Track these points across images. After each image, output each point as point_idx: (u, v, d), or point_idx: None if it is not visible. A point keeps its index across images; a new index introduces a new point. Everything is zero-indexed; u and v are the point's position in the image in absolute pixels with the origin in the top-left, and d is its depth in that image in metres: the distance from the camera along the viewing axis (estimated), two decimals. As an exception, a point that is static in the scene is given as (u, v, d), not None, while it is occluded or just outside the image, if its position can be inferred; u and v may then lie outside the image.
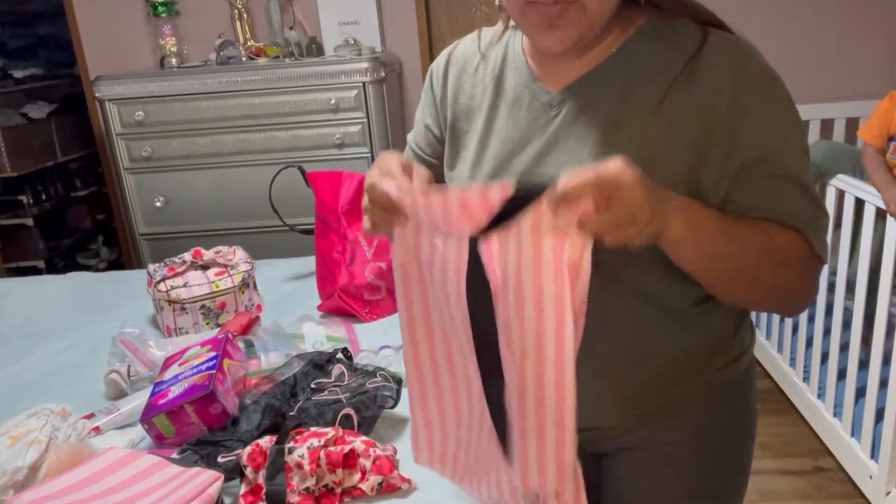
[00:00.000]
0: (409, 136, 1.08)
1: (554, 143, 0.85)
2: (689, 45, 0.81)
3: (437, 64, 1.01)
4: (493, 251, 0.71)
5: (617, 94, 0.83)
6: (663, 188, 0.71)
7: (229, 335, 1.36)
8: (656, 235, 0.72)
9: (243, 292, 1.69)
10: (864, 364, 2.05)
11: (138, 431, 1.20)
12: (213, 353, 1.26)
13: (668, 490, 0.99)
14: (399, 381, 1.20)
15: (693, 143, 0.80)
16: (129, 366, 1.39)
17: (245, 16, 3.03)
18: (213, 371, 1.19)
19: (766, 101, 0.80)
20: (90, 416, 1.24)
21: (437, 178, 0.92)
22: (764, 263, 0.80)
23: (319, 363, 1.30)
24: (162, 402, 1.17)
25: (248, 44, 3.00)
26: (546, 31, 0.80)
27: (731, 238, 0.78)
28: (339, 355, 1.33)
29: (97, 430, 1.21)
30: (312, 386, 1.24)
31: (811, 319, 2.39)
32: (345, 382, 1.24)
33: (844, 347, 2.16)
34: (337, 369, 1.27)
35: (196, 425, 1.16)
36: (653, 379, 0.93)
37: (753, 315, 2.82)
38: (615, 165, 0.65)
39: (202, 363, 1.24)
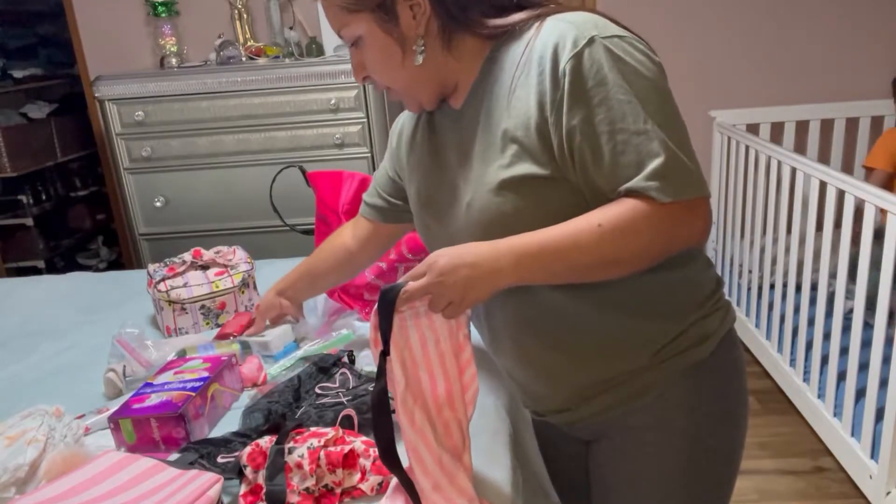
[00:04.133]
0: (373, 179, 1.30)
1: (465, 146, 1.00)
2: (527, 38, 0.93)
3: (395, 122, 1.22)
4: (393, 357, 0.90)
5: (486, 95, 0.97)
6: (492, 251, 0.88)
7: (234, 359, 1.33)
8: (494, 292, 0.90)
9: (243, 292, 1.69)
10: (864, 366, 2.05)
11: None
12: (205, 375, 1.24)
13: (645, 475, 1.01)
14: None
15: (536, 117, 0.89)
16: (124, 365, 1.39)
17: (245, 16, 3.03)
18: (194, 394, 1.17)
19: (576, 69, 0.86)
20: (81, 417, 1.24)
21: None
22: (607, 252, 0.87)
23: (324, 367, 1.29)
24: (136, 406, 1.15)
25: (248, 44, 3.00)
26: (403, 103, 1.05)
27: (564, 257, 0.88)
28: (345, 359, 1.33)
29: (86, 429, 1.21)
30: (317, 391, 1.24)
31: (811, 322, 2.39)
32: (350, 388, 1.24)
33: (844, 351, 2.16)
34: (341, 375, 1.27)
35: (157, 442, 1.13)
36: (578, 361, 0.98)
37: (754, 315, 2.82)
38: (434, 274, 0.87)
39: (191, 380, 1.21)
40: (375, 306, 0.89)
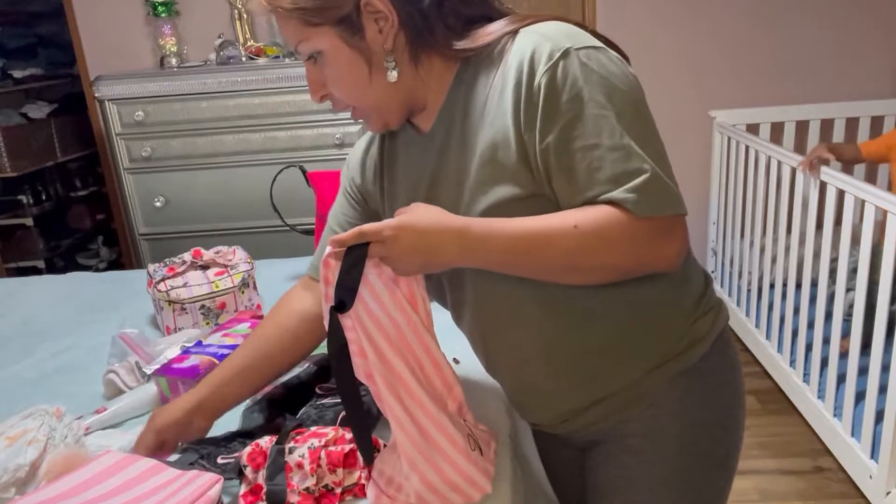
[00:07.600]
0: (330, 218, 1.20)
1: (436, 172, 0.97)
2: (500, 54, 0.91)
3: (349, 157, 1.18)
4: (351, 314, 0.86)
5: (459, 118, 0.94)
6: (447, 230, 0.84)
7: None
8: (440, 266, 0.88)
9: (243, 292, 1.69)
10: (863, 370, 2.05)
11: (134, 434, 1.19)
12: (238, 343, 1.30)
13: (638, 481, 1.01)
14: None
15: (514, 134, 0.87)
16: (136, 361, 1.38)
17: (245, 16, 3.03)
18: (218, 362, 1.23)
19: (551, 83, 0.84)
20: (80, 418, 1.24)
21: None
22: (577, 257, 0.84)
23: (325, 366, 1.29)
24: (175, 366, 1.24)
25: (248, 44, 3.00)
26: (365, 123, 1.00)
27: (529, 253, 0.85)
28: None
29: (86, 429, 1.21)
30: (317, 391, 1.24)
31: (811, 325, 2.39)
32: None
33: (844, 355, 2.16)
34: None
35: None
36: (574, 385, 0.98)
37: (754, 315, 2.82)
38: (392, 229, 0.82)
39: (227, 346, 1.29)
40: (326, 256, 0.85)
